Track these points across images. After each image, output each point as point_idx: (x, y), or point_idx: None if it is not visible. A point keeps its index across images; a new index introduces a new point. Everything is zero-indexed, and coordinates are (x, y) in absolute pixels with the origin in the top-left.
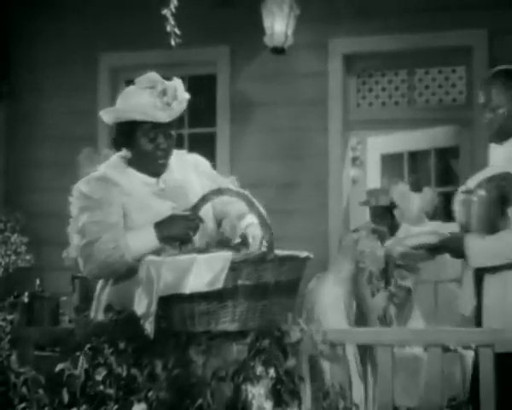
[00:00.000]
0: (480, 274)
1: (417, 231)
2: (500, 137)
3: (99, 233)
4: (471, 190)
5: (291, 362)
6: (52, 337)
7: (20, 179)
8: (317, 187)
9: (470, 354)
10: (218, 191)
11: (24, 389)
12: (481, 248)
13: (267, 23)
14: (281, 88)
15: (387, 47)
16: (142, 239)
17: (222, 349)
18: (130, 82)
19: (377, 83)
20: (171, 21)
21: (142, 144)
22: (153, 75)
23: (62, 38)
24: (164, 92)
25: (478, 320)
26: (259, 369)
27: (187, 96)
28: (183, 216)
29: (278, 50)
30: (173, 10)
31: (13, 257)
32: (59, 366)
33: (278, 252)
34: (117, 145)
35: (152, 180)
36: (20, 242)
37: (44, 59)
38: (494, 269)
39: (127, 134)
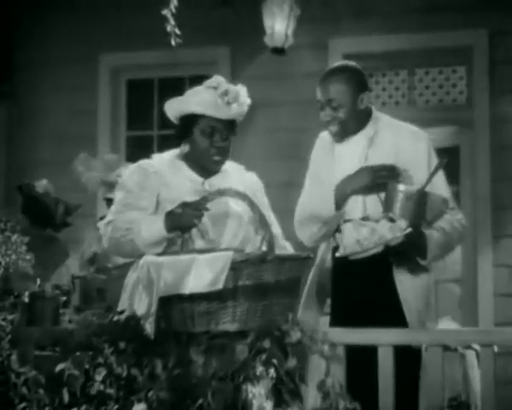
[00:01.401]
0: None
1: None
2: (341, 135)
3: (123, 213)
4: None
5: (291, 362)
6: (52, 337)
7: (21, 179)
8: None
9: (471, 354)
10: (220, 192)
11: (24, 389)
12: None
13: (267, 23)
14: (281, 88)
15: (388, 47)
16: (152, 228)
17: (222, 349)
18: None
19: (377, 83)
20: (172, 21)
21: (199, 140)
22: (218, 77)
23: (63, 39)
24: (226, 93)
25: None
26: (260, 369)
27: (248, 101)
28: (193, 204)
29: (278, 51)
30: (173, 10)
31: (13, 257)
32: (59, 366)
33: (278, 252)
34: (177, 139)
35: (199, 179)
36: (20, 241)
37: (45, 59)
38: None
39: (186, 128)
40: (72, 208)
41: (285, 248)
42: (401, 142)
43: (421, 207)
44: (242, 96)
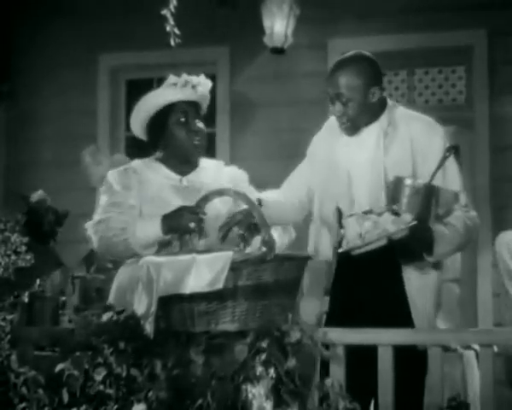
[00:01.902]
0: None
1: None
2: (352, 130)
3: (114, 212)
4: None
5: (291, 362)
6: (52, 337)
7: (21, 179)
8: None
9: (470, 354)
10: (219, 192)
11: (24, 389)
12: (444, 237)
13: (267, 23)
14: (280, 88)
15: (387, 47)
16: (148, 229)
17: (222, 350)
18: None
19: None
20: (171, 22)
21: (175, 131)
22: (171, 77)
23: (63, 39)
24: (185, 82)
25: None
26: (259, 369)
27: (209, 82)
28: (190, 208)
29: (278, 50)
30: (173, 11)
31: (13, 257)
32: (59, 366)
33: (278, 252)
34: (151, 144)
35: (175, 177)
36: (19, 241)
37: (45, 60)
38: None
39: (160, 125)
40: (61, 217)
41: (290, 231)
42: (415, 133)
43: (429, 202)
44: (202, 78)
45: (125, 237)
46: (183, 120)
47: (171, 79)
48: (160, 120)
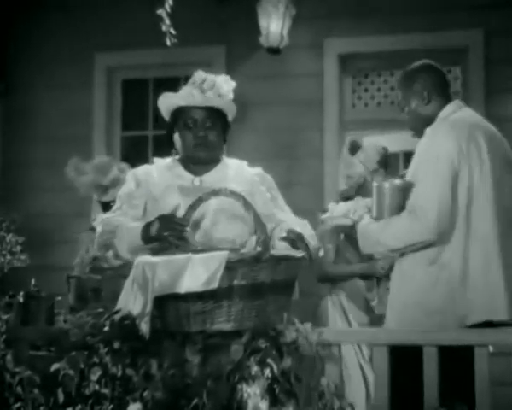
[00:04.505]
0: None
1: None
2: (416, 134)
3: (120, 211)
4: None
5: (286, 362)
6: (47, 337)
7: (16, 179)
8: (313, 187)
9: None
10: (214, 192)
11: (19, 389)
12: (366, 235)
13: (263, 23)
14: (276, 88)
15: (383, 47)
16: (130, 234)
17: (217, 349)
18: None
19: (373, 83)
20: (167, 21)
21: (182, 134)
22: (199, 72)
23: (58, 38)
24: (202, 82)
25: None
26: (255, 369)
27: (231, 92)
28: (169, 217)
29: (274, 50)
30: (168, 10)
31: (8, 257)
32: (54, 366)
33: (273, 252)
34: (167, 139)
35: (188, 176)
36: (15, 241)
37: (40, 58)
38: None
39: (172, 125)
40: None
41: (305, 225)
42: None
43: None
44: (222, 86)
45: (112, 240)
46: (190, 125)
47: (194, 76)
48: (173, 119)
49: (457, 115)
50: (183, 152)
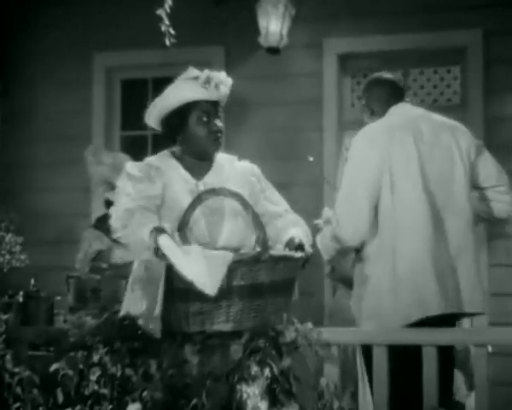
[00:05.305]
0: None
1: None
2: None
3: (141, 202)
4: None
5: (286, 362)
6: (46, 337)
7: (15, 179)
8: (312, 187)
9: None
10: (213, 192)
11: (18, 389)
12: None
13: (262, 23)
14: (276, 88)
15: (382, 47)
16: (143, 234)
17: (217, 349)
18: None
19: None
20: (166, 21)
21: (196, 130)
22: (191, 69)
23: (57, 37)
24: (208, 79)
25: None
26: (254, 369)
27: (230, 80)
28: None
29: (273, 50)
30: (168, 10)
31: (7, 257)
32: (53, 366)
33: (273, 252)
34: (169, 139)
35: (192, 180)
36: (14, 241)
37: (39, 58)
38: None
39: (180, 122)
40: None
41: (297, 222)
42: None
43: None
44: (223, 76)
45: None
46: (204, 119)
47: (192, 71)
48: (181, 116)
49: (387, 120)
50: (193, 148)
